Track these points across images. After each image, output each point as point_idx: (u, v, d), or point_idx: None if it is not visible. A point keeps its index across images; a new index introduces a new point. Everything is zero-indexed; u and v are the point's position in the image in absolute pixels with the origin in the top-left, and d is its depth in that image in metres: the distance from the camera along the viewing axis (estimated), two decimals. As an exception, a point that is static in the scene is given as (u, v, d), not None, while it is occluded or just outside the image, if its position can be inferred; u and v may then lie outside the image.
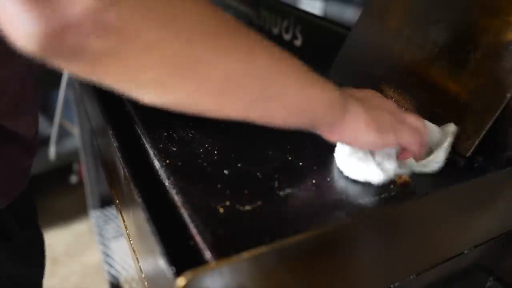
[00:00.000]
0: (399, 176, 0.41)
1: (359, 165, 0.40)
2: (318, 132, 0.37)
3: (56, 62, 0.22)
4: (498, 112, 0.43)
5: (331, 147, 0.44)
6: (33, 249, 0.61)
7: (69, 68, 0.23)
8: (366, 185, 0.40)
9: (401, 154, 0.41)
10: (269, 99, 0.31)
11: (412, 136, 0.39)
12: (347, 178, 0.41)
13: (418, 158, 0.41)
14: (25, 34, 0.20)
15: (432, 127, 0.45)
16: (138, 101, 0.28)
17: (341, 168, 0.42)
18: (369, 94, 0.40)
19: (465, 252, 0.48)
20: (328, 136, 0.37)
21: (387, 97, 0.43)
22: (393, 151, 0.42)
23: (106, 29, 0.21)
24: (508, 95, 0.43)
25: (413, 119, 0.40)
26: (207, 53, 0.26)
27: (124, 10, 0.21)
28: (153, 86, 0.26)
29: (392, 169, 0.41)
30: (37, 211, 0.64)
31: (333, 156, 0.44)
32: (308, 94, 0.33)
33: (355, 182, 0.41)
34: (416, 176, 0.42)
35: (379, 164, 0.40)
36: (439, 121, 0.47)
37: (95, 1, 0.20)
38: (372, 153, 0.41)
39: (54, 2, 0.19)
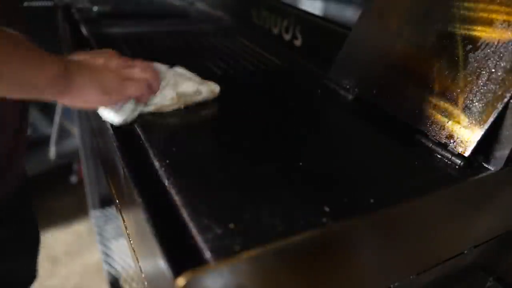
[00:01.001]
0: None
1: (104, 111, 0.49)
2: (49, 100, 0.43)
3: None
4: (498, 112, 0.43)
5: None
6: (21, 243, 0.62)
7: None
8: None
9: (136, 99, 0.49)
10: None
11: (138, 88, 0.47)
12: None
13: (145, 100, 0.50)
14: None
15: (163, 69, 0.55)
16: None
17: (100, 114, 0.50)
18: (98, 56, 0.46)
19: (465, 252, 0.48)
20: (60, 102, 0.44)
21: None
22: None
23: None
24: (508, 95, 0.43)
25: (139, 72, 0.48)
26: None
27: None
28: None
29: (127, 110, 0.49)
30: (33, 210, 0.64)
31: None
32: (29, 74, 0.38)
33: None
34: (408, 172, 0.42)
35: (118, 108, 0.48)
36: (439, 121, 0.47)
37: None
38: None
39: None
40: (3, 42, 0.36)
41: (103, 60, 0.46)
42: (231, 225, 0.33)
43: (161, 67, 0.55)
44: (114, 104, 0.48)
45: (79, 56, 0.46)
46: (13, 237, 0.61)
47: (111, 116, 0.49)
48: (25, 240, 0.65)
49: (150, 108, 0.51)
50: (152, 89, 0.50)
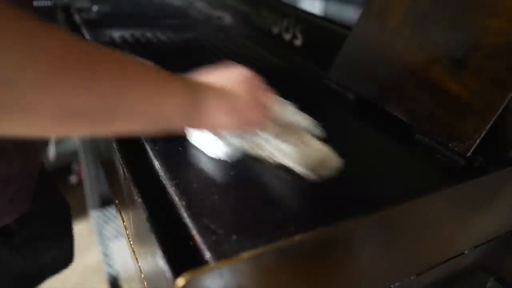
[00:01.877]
0: None
1: (209, 143, 0.43)
2: (179, 130, 0.39)
3: None
4: (499, 112, 0.43)
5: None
6: (34, 242, 0.62)
7: None
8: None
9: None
10: (117, 118, 0.31)
11: (260, 116, 0.42)
12: None
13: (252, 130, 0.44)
14: None
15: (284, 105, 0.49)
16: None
17: (198, 146, 0.44)
18: (227, 74, 0.41)
19: (466, 252, 0.48)
20: (190, 127, 0.40)
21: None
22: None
23: None
24: (509, 95, 0.43)
25: (267, 99, 0.43)
26: (37, 92, 0.25)
27: None
28: None
29: (236, 143, 0.43)
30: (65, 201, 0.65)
31: None
32: (157, 106, 0.33)
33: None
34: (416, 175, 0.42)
35: (225, 140, 0.43)
36: (440, 121, 0.47)
37: None
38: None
39: None
40: (126, 70, 0.31)
41: (234, 79, 0.41)
42: (231, 225, 0.33)
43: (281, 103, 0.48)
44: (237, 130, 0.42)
45: (204, 76, 0.40)
46: (47, 229, 0.62)
47: (219, 147, 0.42)
48: (58, 229, 0.66)
49: (258, 150, 0.43)
50: (265, 123, 0.43)
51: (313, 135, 0.47)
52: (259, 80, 0.43)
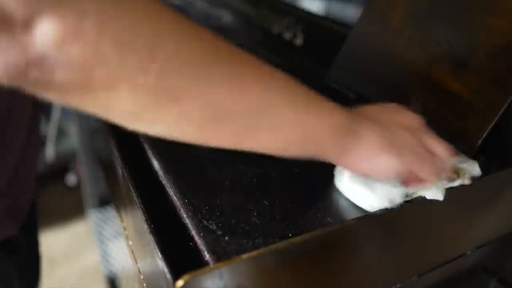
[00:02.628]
0: None
1: (362, 191, 0.36)
2: (328, 160, 0.33)
3: (28, 91, 0.22)
4: (501, 112, 0.43)
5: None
6: (32, 255, 0.61)
7: (43, 96, 0.22)
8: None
9: (409, 180, 0.35)
10: (261, 130, 0.28)
11: (432, 166, 0.34)
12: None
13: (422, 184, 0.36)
14: None
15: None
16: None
17: (342, 191, 0.38)
18: (387, 110, 0.35)
19: (467, 253, 0.48)
20: (340, 164, 0.34)
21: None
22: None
23: (70, 63, 0.20)
24: (511, 94, 0.42)
25: (437, 145, 0.35)
26: (187, 84, 0.24)
27: (89, 43, 0.20)
28: (129, 117, 0.25)
29: (398, 196, 0.36)
30: (36, 216, 0.63)
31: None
32: (306, 124, 0.30)
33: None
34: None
35: (383, 190, 0.36)
36: (441, 121, 0.47)
37: (58, 35, 0.19)
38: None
39: (16, 38, 0.19)
40: (275, 80, 0.28)
41: (394, 115, 0.35)
42: (231, 226, 0.33)
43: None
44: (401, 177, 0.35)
45: (360, 108, 0.35)
46: (32, 244, 0.60)
47: (376, 197, 0.36)
48: (37, 245, 0.63)
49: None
50: (439, 176, 0.36)
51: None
52: (419, 117, 0.36)
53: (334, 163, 0.34)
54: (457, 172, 0.39)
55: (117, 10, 0.20)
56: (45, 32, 0.19)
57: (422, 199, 0.37)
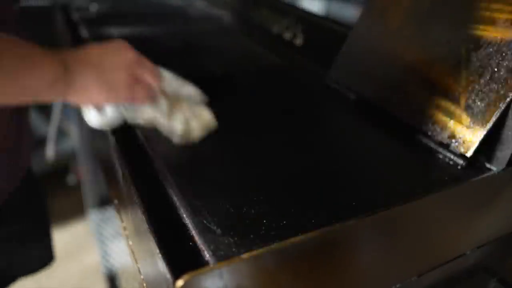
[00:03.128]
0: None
1: (86, 112, 0.46)
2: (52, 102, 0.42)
3: None
4: (500, 112, 0.43)
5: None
6: (12, 242, 0.62)
7: None
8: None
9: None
10: None
11: (145, 93, 0.44)
12: None
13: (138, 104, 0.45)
14: None
15: (169, 78, 0.49)
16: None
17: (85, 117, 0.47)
18: (106, 52, 0.43)
19: (467, 253, 0.48)
20: (65, 101, 0.42)
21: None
22: None
23: None
24: (510, 94, 0.42)
25: (148, 74, 0.45)
26: None
27: None
28: None
29: (110, 113, 0.45)
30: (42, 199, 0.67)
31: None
32: (26, 79, 0.37)
33: None
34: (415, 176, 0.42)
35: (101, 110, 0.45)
36: (441, 121, 0.47)
37: None
38: None
39: None
40: None
41: (113, 56, 0.43)
42: (231, 226, 0.33)
43: (167, 76, 0.50)
44: (119, 103, 0.45)
45: (88, 51, 0.43)
46: (25, 229, 0.62)
47: (93, 117, 0.46)
48: (37, 229, 0.66)
49: (139, 120, 0.47)
50: (152, 99, 0.46)
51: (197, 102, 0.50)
52: (135, 53, 0.44)
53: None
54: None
55: None
56: None
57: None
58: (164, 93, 0.47)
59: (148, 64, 0.46)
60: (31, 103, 0.40)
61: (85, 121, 0.47)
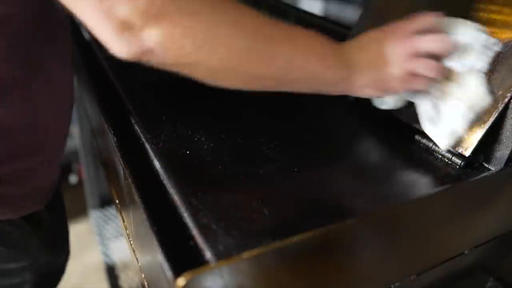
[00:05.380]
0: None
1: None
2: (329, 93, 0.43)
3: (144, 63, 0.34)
4: (498, 112, 0.43)
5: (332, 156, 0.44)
6: (61, 235, 0.65)
7: (150, 64, 0.35)
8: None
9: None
10: (285, 84, 0.40)
11: (421, 85, 0.44)
12: None
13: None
14: (117, 51, 0.33)
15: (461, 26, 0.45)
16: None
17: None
18: (381, 41, 0.44)
19: (466, 252, 0.48)
20: (338, 92, 0.44)
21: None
22: None
23: (167, 53, 0.33)
24: (508, 94, 0.43)
25: (427, 68, 0.43)
26: (254, 49, 0.36)
27: (177, 42, 0.33)
28: (203, 70, 0.37)
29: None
30: (64, 202, 0.68)
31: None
32: (317, 79, 0.41)
33: None
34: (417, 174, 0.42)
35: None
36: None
37: (160, 37, 0.32)
38: None
39: (137, 37, 0.32)
40: (298, 47, 0.39)
41: (391, 49, 0.42)
42: (232, 225, 0.33)
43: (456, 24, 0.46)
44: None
45: (360, 46, 0.44)
46: (57, 222, 0.64)
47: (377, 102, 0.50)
48: (63, 222, 0.68)
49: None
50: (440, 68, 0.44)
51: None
52: (415, 40, 0.43)
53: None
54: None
55: (194, 22, 0.33)
56: (152, 34, 0.32)
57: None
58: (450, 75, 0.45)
59: (432, 46, 0.43)
60: (309, 91, 0.43)
61: None
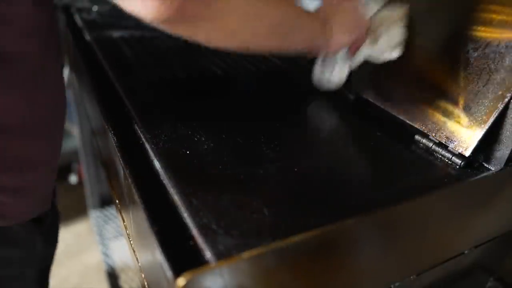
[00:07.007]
0: None
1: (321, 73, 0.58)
2: (318, 49, 0.51)
3: (168, 29, 0.37)
4: (498, 112, 0.43)
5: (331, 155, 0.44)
6: (55, 228, 0.67)
7: (176, 32, 0.38)
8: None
9: (350, 49, 0.54)
10: (289, 38, 0.47)
11: (364, 33, 0.53)
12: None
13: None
14: (148, 17, 0.35)
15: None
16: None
17: (316, 81, 0.59)
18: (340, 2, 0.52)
19: (466, 252, 0.48)
20: (324, 49, 0.51)
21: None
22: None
23: (197, 15, 0.36)
24: (508, 95, 0.43)
25: (360, 14, 0.52)
26: (260, 8, 0.41)
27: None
28: (225, 34, 0.41)
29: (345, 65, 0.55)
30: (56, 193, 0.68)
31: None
32: (313, 31, 0.48)
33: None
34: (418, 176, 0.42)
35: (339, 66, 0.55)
36: (439, 121, 0.47)
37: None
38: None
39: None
40: (300, 14, 0.46)
41: (344, 7, 0.51)
42: (232, 225, 0.33)
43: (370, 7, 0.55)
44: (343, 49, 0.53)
45: (328, 7, 0.51)
46: (54, 215, 0.66)
47: (331, 75, 0.56)
48: (57, 214, 0.70)
49: (359, 59, 0.55)
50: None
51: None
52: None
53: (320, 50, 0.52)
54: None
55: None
56: None
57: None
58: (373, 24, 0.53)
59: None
60: (297, 51, 0.50)
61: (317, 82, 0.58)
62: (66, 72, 1.43)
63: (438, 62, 0.50)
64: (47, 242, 0.60)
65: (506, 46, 0.44)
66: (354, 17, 0.51)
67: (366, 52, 0.54)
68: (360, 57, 0.54)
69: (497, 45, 0.45)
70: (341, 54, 0.54)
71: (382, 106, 0.54)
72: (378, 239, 0.40)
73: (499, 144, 0.44)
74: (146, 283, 0.42)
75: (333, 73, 0.55)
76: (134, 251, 0.47)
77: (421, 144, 0.48)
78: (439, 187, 0.41)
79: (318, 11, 0.51)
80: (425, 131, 0.48)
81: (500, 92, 0.43)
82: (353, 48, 0.54)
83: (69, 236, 1.53)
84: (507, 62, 0.44)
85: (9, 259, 0.52)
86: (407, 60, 0.54)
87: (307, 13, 0.48)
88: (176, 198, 0.37)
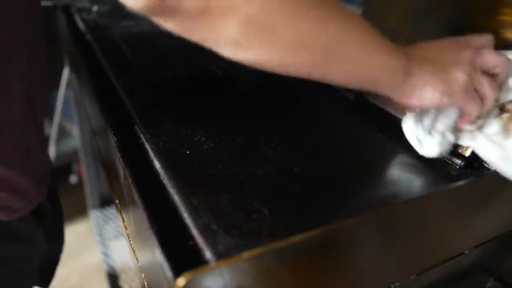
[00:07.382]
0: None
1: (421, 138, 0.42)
2: (383, 93, 0.38)
3: (157, 20, 0.30)
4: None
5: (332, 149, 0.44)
6: (59, 224, 0.67)
7: (167, 26, 0.30)
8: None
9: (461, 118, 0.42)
10: (333, 62, 0.34)
11: (476, 108, 0.39)
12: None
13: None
14: (133, 7, 0.29)
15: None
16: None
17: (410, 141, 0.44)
18: (445, 47, 0.40)
19: (466, 252, 0.48)
20: (390, 96, 0.39)
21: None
22: (452, 119, 0.42)
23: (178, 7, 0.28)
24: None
25: (488, 85, 0.39)
26: (281, 18, 0.30)
27: None
28: (231, 44, 0.31)
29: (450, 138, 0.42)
30: (58, 187, 0.69)
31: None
32: (372, 61, 0.35)
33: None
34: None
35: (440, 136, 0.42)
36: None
37: None
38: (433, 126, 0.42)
39: None
40: (351, 25, 0.33)
41: (452, 51, 0.39)
42: (232, 225, 0.33)
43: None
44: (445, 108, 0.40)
45: (426, 46, 0.40)
46: (56, 211, 0.65)
47: (427, 145, 0.42)
48: (60, 211, 0.70)
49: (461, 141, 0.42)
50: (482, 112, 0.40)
51: None
52: (474, 52, 0.39)
53: (385, 95, 0.39)
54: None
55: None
56: None
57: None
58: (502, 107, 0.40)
59: (498, 61, 0.40)
60: (361, 87, 0.37)
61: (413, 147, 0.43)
62: (66, 72, 1.43)
63: (438, 62, 0.50)
64: (49, 236, 0.60)
65: (505, 46, 0.44)
66: (467, 70, 0.38)
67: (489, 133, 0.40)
68: (469, 138, 0.41)
69: (497, 46, 0.45)
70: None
71: (382, 106, 0.54)
72: (378, 239, 0.40)
73: (499, 144, 0.44)
74: (146, 283, 0.42)
75: (426, 139, 0.42)
76: (134, 251, 0.47)
77: (421, 144, 0.48)
78: (439, 187, 0.41)
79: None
80: (425, 131, 0.48)
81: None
82: (463, 119, 0.41)
83: (69, 236, 1.53)
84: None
85: (9, 254, 0.52)
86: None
87: (379, 34, 0.35)
88: (176, 198, 0.37)
